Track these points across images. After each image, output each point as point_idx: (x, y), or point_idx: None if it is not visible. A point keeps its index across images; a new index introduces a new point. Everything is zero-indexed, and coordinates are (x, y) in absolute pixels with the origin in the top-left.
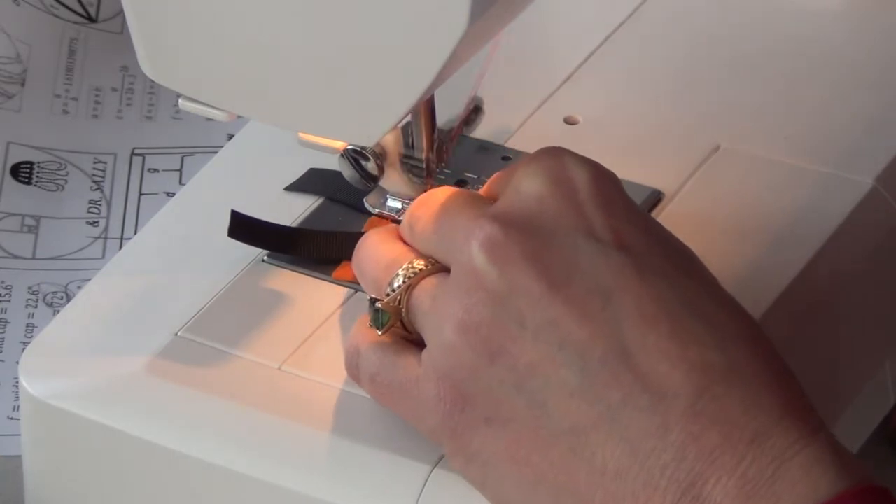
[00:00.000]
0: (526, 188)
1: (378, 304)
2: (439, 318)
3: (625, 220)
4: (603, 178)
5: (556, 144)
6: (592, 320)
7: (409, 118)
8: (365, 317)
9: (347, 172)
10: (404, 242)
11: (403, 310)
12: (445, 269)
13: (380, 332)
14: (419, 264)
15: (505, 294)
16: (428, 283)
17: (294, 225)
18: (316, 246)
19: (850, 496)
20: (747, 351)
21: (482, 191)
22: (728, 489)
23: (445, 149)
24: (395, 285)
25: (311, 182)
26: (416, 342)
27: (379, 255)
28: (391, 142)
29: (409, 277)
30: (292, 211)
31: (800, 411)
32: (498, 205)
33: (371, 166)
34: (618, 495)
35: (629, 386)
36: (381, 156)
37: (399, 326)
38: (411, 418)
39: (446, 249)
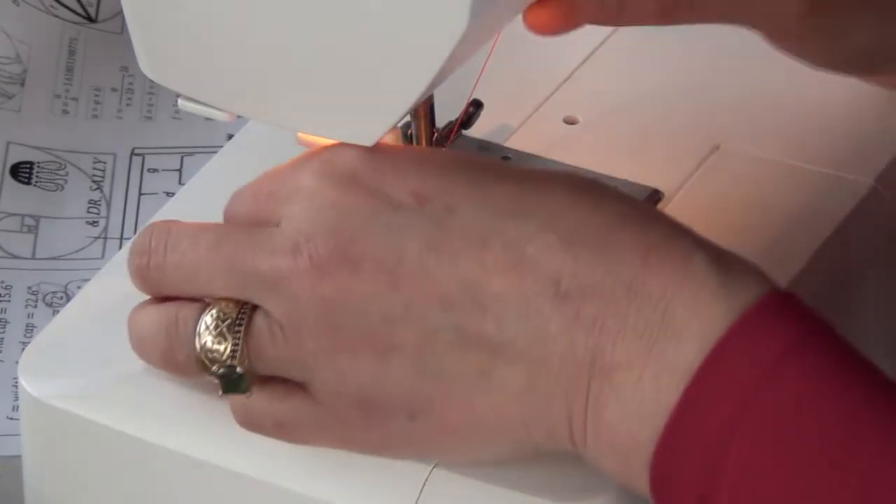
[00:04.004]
0: (305, 202)
1: (239, 370)
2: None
3: (416, 176)
4: (365, 150)
5: (556, 144)
6: (433, 280)
7: (408, 118)
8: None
9: None
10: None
11: (247, 361)
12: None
13: (247, 396)
14: (227, 308)
15: (359, 304)
16: (260, 322)
17: None
18: None
19: (749, 318)
20: (577, 217)
21: (227, 212)
22: (628, 347)
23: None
24: (227, 349)
25: None
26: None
27: (149, 321)
28: (391, 142)
29: (237, 329)
30: None
31: (662, 243)
32: (288, 228)
33: None
34: (538, 408)
35: (490, 316)
36: None
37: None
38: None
39: (246, 294)
